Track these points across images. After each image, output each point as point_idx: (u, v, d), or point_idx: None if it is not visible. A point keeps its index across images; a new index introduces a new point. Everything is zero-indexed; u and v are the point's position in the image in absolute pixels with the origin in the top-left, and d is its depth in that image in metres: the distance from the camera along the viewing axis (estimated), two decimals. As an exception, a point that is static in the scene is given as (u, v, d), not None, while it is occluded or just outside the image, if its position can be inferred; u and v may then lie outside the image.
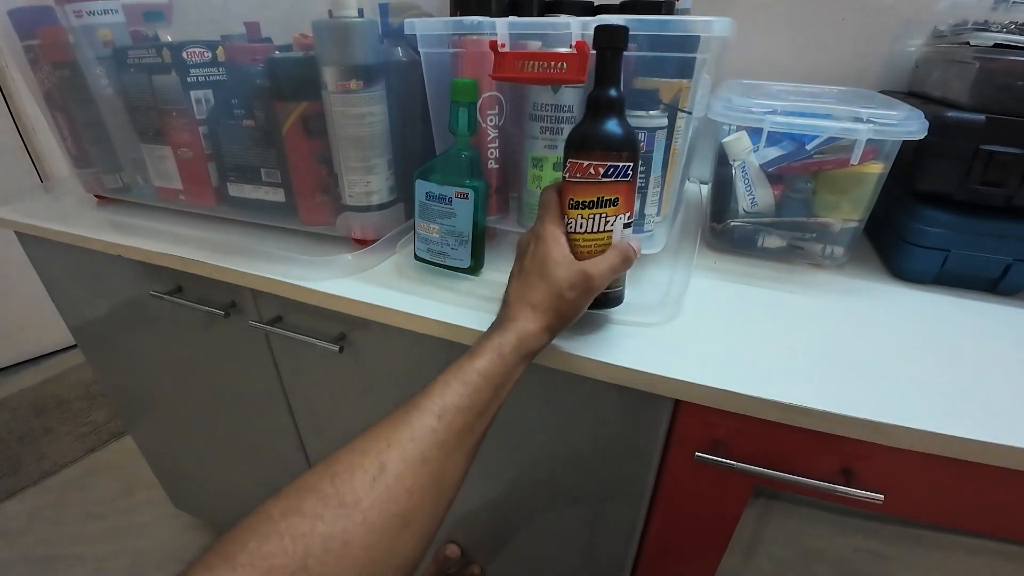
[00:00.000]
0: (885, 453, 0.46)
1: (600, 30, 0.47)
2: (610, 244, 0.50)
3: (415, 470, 0.38)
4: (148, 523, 1.49)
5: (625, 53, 0.54)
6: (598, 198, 0.48)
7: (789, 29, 0.87)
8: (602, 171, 0.47)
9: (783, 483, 0.51)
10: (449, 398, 0.41)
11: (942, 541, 0.57)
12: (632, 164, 0.48)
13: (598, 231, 0.49)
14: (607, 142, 0.47)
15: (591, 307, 0.51)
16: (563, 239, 0.49)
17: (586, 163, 0.48)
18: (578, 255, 0.49)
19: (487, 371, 0.43)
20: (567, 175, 0.49)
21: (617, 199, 0.49)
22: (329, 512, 0.34)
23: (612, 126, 0.48)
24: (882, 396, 0.47)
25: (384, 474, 0.36)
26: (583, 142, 0.48)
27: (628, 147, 0.48)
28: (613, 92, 0.48)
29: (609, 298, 0.53)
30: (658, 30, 0.53)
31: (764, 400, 0.46)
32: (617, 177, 0.48)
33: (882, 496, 0.47)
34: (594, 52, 0.49)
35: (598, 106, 0.48)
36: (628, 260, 0.50)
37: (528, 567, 0.85)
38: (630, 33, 0.53)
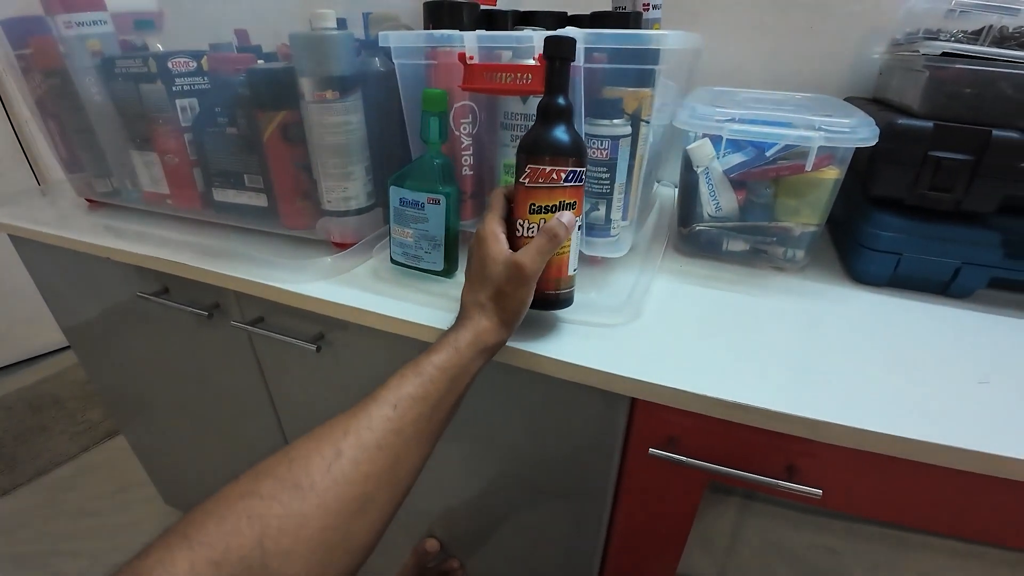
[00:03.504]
0: (826, 450, 0.48)
1: (548, 41, 0.50)
2: (570, 246, 0.53)
3: (371, 456, 0.39)
4: (141, 520, 1.51)
5: (584, 64, 0.56)
6: (560, 202, 0.51)
7: (759, 37, 0.90)
8: (564, 176, 0.50)
9: (731, 478, 0.53)
10: (405, 389, 0.43)
11: (891, 537, 0.59)
12: (584, 169, 0.51)
13: None
14: (565, 148, 0.50)
15: (542, 308, 0.54)
16: (501, 235, 0.51)
17: (548, 168, 0.50)
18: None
19: (442, 364, 0.46)
20: (527, 180, 0.51)
21: (575, 203, 0.52)
22: (285, 494, 0.35)
23: (563, 133, 0.50)
24: (825, 395, 0.49)
25: (340, 459, 0.38)
26: (536, 148, 0.50)
27: (580, 152, 0.51)
28: (562, 100, 0.50)
29: (560, 299, 0.55)
30: (616, 43, 0.55)
31: (711, 398, 0.48)
32: (576, 182, 0.51)
33: (820, 491, 0.49)
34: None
35: (549, 114, 0.51)
36: (556, 237, 0.50)
37: (506, 561, 0.88)
38: (594, 46, 0.56)
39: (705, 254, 0.75)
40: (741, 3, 0.88)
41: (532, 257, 0.49)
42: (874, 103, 0.78)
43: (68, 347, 2.15)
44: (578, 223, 0.53)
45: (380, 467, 0.40)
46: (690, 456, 0.54)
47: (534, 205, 0.51)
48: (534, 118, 0.62)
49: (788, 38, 0.88)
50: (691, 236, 0.74)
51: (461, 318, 0.51)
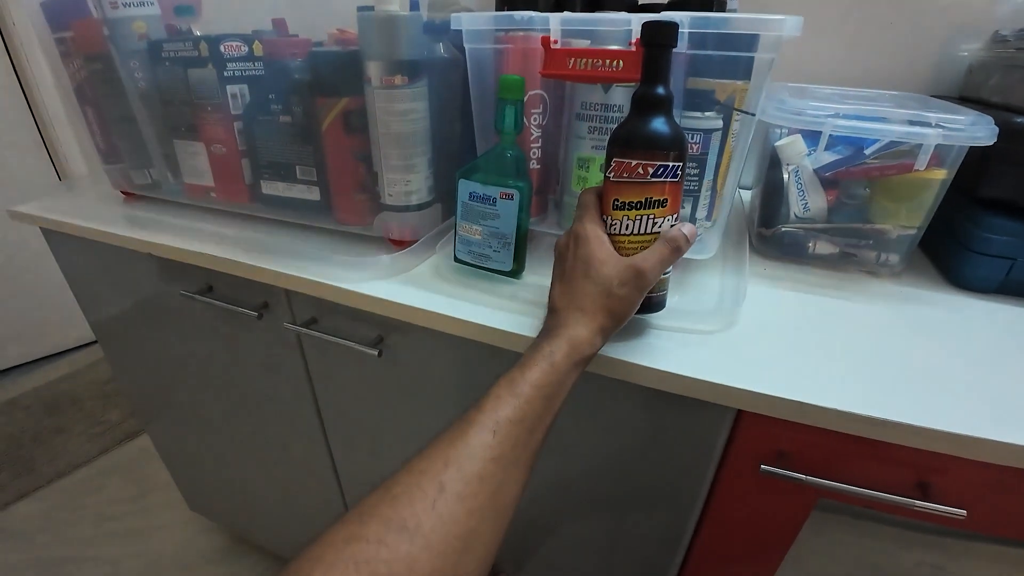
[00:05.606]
0: (963, 466, 0.44)
1: (648, 26, 0.46)
2: None
3: (473, 489, 0.36)
4: (163, 525, 1.47)
5: (685, 51, 0.52)
6: (647, 199, 0.47)
7: (836, 31, 0.85)
8: (651, 171, 0.46)
9: (854, 497, 0.49)
10: (502, 412, 0.40)
11: (1007, 555, 0.54)
12: (681, 164, 0.47)
13: (644, 233, 0.48)
14: (656, 141, 0.46)
15: (636, 312, 0.50)
16: (605, 238, 0.48)
17: (634, 163, 0.46)
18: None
19: (539, 382, 0.42)
20: (612, 175, 0.47)
21: (666, 200, 0.47)
22: (391, 536, 0.33)
23: (661, 125, 0.46)
24: (958, 408, 0.45)
25: (444, 495, 0.35)
26: (630, 141, 0.46)
27: (678, 146, 0.46)
28: (661, 90, 0.46)
29: (652, 302, 0.51)
30: (723, 28, 0.51)
31: (840, 412, 0.44)
32: (667, 177, 0.46)
33: (964, 512, 0.45)
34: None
35: (645, 104, 0.46)
36: (679, 249, 0.47)
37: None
38: (688, 31, 0.51)
39: (788, 257, 0.70)
40: (819, -6, 0.84)
41: (652, 264, 0.46)
42: (963, 102, 0.74)
43: (85, 345, 2.13)
44: (673, 222, 0.49)
45: (483, 500, 0.37)
46: (801, 472, 0.49)
47: (618, 201, 0.47)
48: (616, 108, 0.59)
49: (867, 33, 0.84)
50: (774, 238, 0.70)
51: (554, 325, 0.46)
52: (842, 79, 0.86)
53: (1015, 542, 0.53)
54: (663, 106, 0.46)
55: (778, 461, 0.51)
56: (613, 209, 0.48)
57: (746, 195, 0.92)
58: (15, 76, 1.79)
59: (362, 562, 0.31)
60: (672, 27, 0.46)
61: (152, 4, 0.74)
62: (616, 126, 0.48)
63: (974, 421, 0.43)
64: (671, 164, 0.46)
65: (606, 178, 0.48)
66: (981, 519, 0.48)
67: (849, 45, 0.86)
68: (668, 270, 0.51)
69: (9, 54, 1.76)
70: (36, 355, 2.08)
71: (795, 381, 0.47)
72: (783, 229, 0.68)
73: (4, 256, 1.88)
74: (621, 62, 0.52)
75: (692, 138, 0.58)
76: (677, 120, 0.55)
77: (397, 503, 0.34)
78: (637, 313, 0.51)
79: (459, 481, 0.36)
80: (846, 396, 0.45)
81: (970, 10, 0.78)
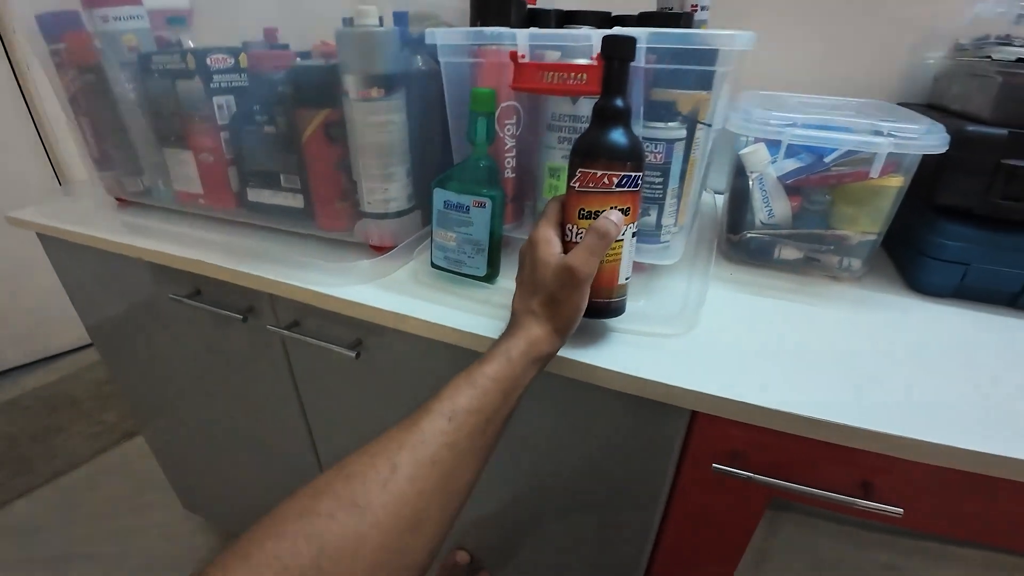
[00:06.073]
0: (905, 467, 0.46)
1: (607, 40, 0.48)
2: (621, 254, 0.51)
3: (426, 472, 0.38)
4: (158, 524, 1.49)
5: (644, 65, 0.54)
6: (611, 208, 0.49)
7: (807, 40, 0.88)
8: (616, 181, 0.48)
9: (801, 496, 0.51)
10: (459, 401, 0.42)
11: (958, 554, 0.56)
12: (640, 174, 0.49)
13: None
14: (615, 152, 0.48)
15: (592, 316, 0.52)
16: (555, 240, 0.50)
17: (599, 173, 0.48)
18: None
19: (496, 375, 0.44)
20: (576, 185, 0.49)
21: (629, 209, 0.49)
22: (342, 512, 0.34)
23: (620, 136, 0.48)
24: (903, 410, 0.47)
25: (396, 475, 0.37)
26: (590, 152, 0.48)
27: (637, 156, 0.48)
28: (620, 102, 0.48)
29: (612, 307, 0.53)
30: (680, 44, 0.53)
31: (787, 414, 0.46)
32: (629, 187, 0.48)
33: (901, 510, 0.47)
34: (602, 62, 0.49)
35: (606, 116, 0.48)
36: (606, 235, 0.47)
37: (538, 574, 0.85)
38: (651, 46, 0.54)
39: (755, 262, 0.72)
40: (791, 5, 0.86)
41: (583, 258, 0.47)
42: (929, 109, 0.76)
43: (84, 347, 2.16)
44: (633, 230, 0.51)
45: (434, 483, 0.39)
46: (754, 471, 0.52)
47: (584, 210, 0.49)
48: (584, 120, 0.61)
49: (837, 42, 0.86)
50: (741, 243, 0.72)
51: (512, 326, 0.49)
52: (818, 87, 0.88)
53: (963, 542, 0.55)
54: (621, 118, 0.48)
55: (730, 460, 0.53)
56: (579, 218, 0.50)
57: (722, 200, 0.94)
58: (15, 81, 1.82)
59: (313, 535, 0.32)
60: (629, 41, 0.48)
61: (142, 18, 0.77)
62: (578, 137, 0.50)
63: (911, 423, 0.45)
64: (632, 174, 0.48)
65: (570, 187, 0.50)
66: (917, 517, 0.50)
67: (824, 54, 0.88)
68: (627, 277, 0.53)
69: (9, 59, 1.79)
70: (35, 356, 2.11)
71: (745, 382, 0.49)
72: (749, 235, 0.70)
73: (4, 258, 1.90)
74: (585, 75, 0.54)
75: (655, 147, 0.59)
76: (640, 130, 0.58)
77: (351, 481, 0.36)
78: (598, 317, 0.53)
79: (411, 463, 0.38)
80: (791, 397, 0.47)
81: (935, 20, 0.80)
